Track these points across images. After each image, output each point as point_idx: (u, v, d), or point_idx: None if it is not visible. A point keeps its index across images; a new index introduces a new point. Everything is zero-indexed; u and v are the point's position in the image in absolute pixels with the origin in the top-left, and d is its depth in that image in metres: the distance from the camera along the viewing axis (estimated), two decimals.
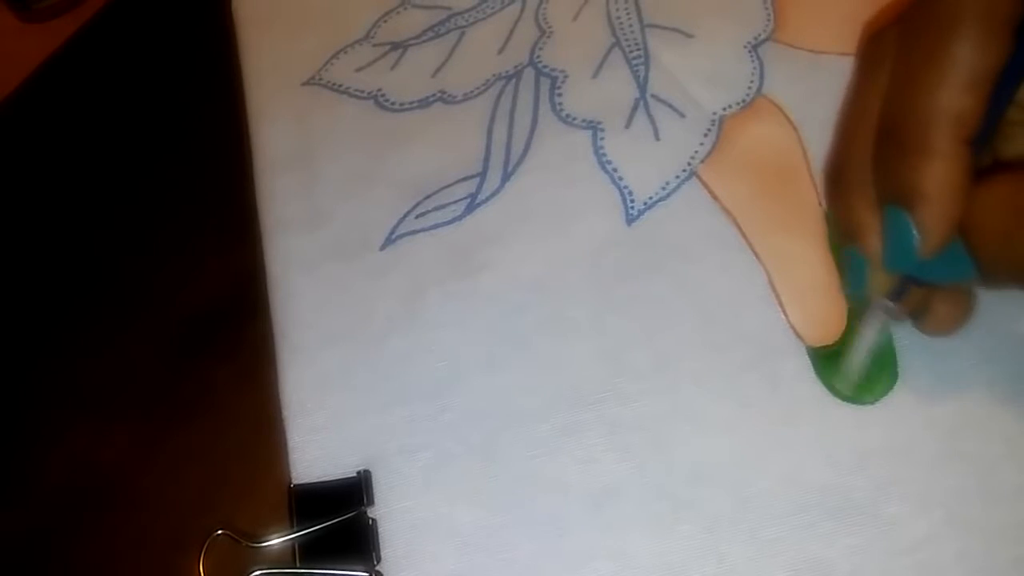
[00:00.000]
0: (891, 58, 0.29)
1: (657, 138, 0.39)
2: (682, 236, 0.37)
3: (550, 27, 0.43)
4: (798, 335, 0.34)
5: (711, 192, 0.38)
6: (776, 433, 0.33)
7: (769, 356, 0.34)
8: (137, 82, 0.47)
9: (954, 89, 0.27)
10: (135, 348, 0.39)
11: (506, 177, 0.39)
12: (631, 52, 0.41)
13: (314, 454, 0.35)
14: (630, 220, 0.38)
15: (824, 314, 0.35)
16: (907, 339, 0.33)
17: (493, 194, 0.39)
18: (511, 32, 0.43)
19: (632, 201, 0.38)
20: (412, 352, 0.36)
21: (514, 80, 0.42)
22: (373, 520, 0.33)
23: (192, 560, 0.33)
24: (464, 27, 0.44)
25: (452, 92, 0.42)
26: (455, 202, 0.39)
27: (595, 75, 0.41)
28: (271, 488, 0.35)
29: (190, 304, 0.40)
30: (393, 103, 0.42)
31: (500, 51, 0.43)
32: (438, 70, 0.43)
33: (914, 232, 0.27)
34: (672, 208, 0.38)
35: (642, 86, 0.40)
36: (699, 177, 0.38)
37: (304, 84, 0.44)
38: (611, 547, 0.32)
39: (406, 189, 0.40)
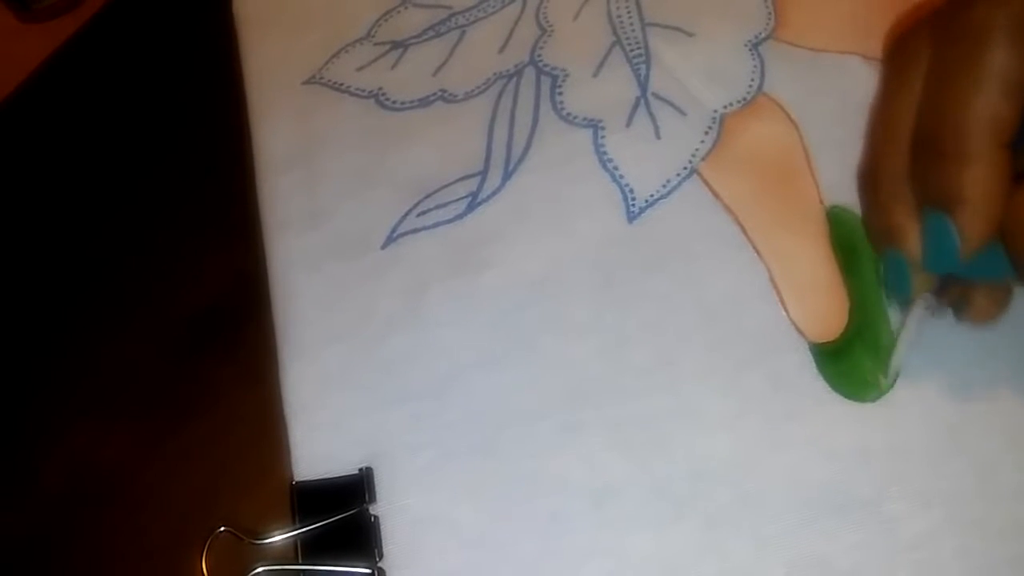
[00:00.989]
0: (923, 64, 0.30)
1: (658, 136, 0.39)
2: (683, 234, 0.37)
3: (551, 26, 0.43)
4: (799, 332, 0.34)
5: (712, 190, 0.38)
6: (777, 430, 0.33)
7: (770, 353, 0.34)
8: (137, 82, 0.47)
9: (991, 96, 0.27)
10: (136, 347, 0.39)
11: (507, 176, 0.39)
12: (632, 51, 0.41)
13: (316, 451, 0.35)
14: (631, 218, 0.38)
15: (825, 311, 0.35)
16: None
17: (494, 193, 0.39)
18: (512, 31, 0.43)
19: (633, 199, 0.38)
20: (413, 350, 0.36)
21: (515, 79, 0.42)
22: (375, 517, 0.33)
23: (195, 557, 0.33)
24: (465, 26, 0.44)
25: (453, 91, 0.42)
26: (456, 200, 0.39)
27: (596, 74, 0.41)
28: (273, 485, 0.35)
29: (191, 303, 0.40)
30: (394, 102, 0.42)
31: (501, 50, 0.43)
32: (439, 69, 0.43)
33: (954, 235, 0.28)
34: (673, 206, 0.38)
35: (643, 84, 0.40)
36: (700, 175, 0.38)
37: (305, 83, 0.44)
38: (612, 544, 0.32)
39: (407, 188, 0.40)
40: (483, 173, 0.40)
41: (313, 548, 0.33)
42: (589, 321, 0.36)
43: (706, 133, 0.39)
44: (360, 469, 0.34)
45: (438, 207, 0.39)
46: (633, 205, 0.38)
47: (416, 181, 0.40)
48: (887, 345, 0.33)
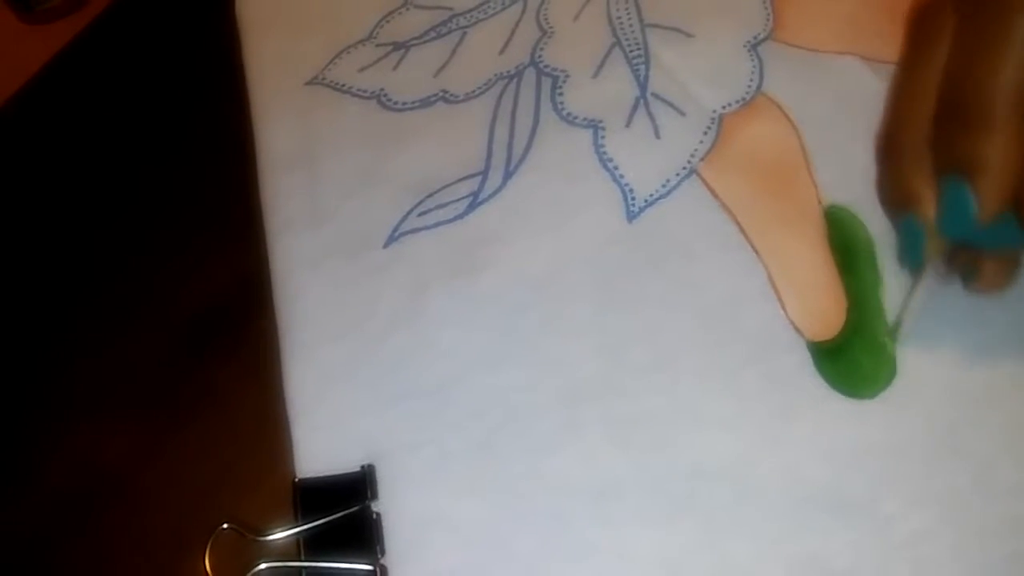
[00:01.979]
0: (948, 33, 0.30)
1: (657, 136, 0.39)
2: (682, 233, 0.37)
3: (551, 27, 0.43)
4: (797, 331, 0.35)
5: (711, 190, 0.38)
6: (775, 429, 0.33)
7: (769, 352, 0.34)
8: (140, 83, 0.47)
9: (1017, 65, 0.27)
10: (139, 347, 0.39)
11: (508, 176, 0.40)
12: (631, 51, 0.42)
13: (318, 449, 0.35)
14: (631, 218, 0.38)
15: (823, 310, 0.35)
16: (907, 334, 0.34)
17: (495, 192, 0.39)
18: (512, 32, 0.43)
19: (633, 199, 0.38)
20: (415, 349, 0.36)
21: (515, 80, 0.42)
22: (377, 514, 0.33)
23: (198, 555, 0.33)
24: (466, 27, 0.44)
25: (454, 92, 0.42)
26: (457, 200, 0.39)
27: (596, 74, 0.41)
28: (276, 483, 0.35)
29: (194, 303, 0.40)
30: (395, 103, 0.43)
31: (502, 51, 0.43)
32: (440, 70, 0.43)
33: (972, 201, 0.28)
34: (672, 206, 0.38)
35: (642, 85, 0.41)
36: (699, 175, 0.38)
37: (307, 84, 0.44)
38: (611, 542, 0.32)
39: (408, 188, 0.40)
40: (484, 173, 0.40)
41: (315, 545, 0.33)
42: (589, 320, 0.36)
43: (705, 133, 0.39)
44: (362, 467, 0.34)
45: (439, 207, 0.39)
46: (633, 205, 0.38)
47: (417, 181, 0.40)
48: (885, 343, 0.33)
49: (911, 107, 0.31)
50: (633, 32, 0.42)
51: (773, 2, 0.42)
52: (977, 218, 0.28)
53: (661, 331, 0.35)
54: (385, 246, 0.39)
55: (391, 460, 0.34)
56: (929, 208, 0.30)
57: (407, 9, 0.45)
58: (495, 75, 0.42)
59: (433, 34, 0.44)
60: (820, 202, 0.37)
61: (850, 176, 0.35)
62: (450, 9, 0.45)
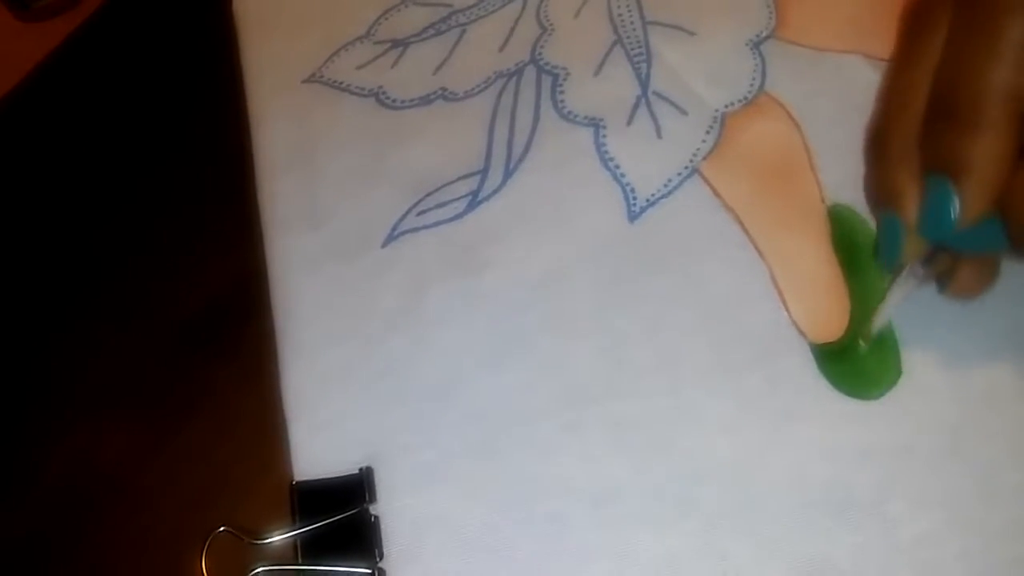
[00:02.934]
0: (942, 30, 0.30)
1: (659, 135, 0.39)
2: (684, 233, 0.37)
3: (551, 24, 0.43)
4: (800, 332, 0.34)
5: (713, 189, 0.38)
6: (778, 431, 0.33)
7: (771, 353, 0.34)
8: (137, 81, 0.47)
9: (1009, 66, 0.27)
10: (136, 347, 0.39)
11: (508, 174, 0.39)
12: (633, 49, 0.41)
13: (316, 451, 0.35)
14: (632, 217, 0.38)
15: (826, 311, 0.35)
16: (910, 335, 0.33)
17: (495, 191, 0.39)
18: (512, 29, 0.43)
19: (634, 198, 0.38)
20: (414, 350, 0.36)
21: (515, 77, 0.42)
22: (375, 517, 0.33)
23: (194, 558, 0.33)
24: (465, 24, 0.44)
25: (453, 89, 0.42)
26: (457, 199, 0.39)
27: (597, 72, 0.41)
28: (273, 485, 0.35)
29: (191, 303, 0.40)
30: (394, 101, 0.42)
31: (501, 48, 0.43)
32: (439, 67, 0.43)
33: (955, 202, 0.28)
34: (674, 205, 0.38)
35: (644, 83, 0.40)
36: (701, 174, 0.38)
37: (305, 82, 0.44)
38: (612, 546, 0.32)
39: (407, 187, 0.40)
40: (484, 172, 0.40)
41: (313, 548, 0.33)
42: (590, 321, 0.36)
43: (707, 132, 0.39)
44: (360, 469, 0.34)
45: (439, 206, 0.39)
46: (634, 204, 0.38)
47: (417, 180, 0.40)
48: (889, 345, 0.33)
49: (902, 103, 0.31)
50: (635, 30, 0.42)
51: (776, 0, 0.42)
52: (958, 219, 0.28)
53: (662, 332, 0.35)
54: (384, 246, 0.39)
55: (389, 462, 0.34)
56: (911, 207, 0.30)
57: (406, 6, 0.45)
58: (495, 73, 0.42)
59: (432, 31, 0.44)
60: (823, 201, 0.37)
61: (853, 175, 0.35)
62: (449, 6, 0.45)
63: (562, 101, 0.41)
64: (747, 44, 0.41)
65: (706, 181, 0.38)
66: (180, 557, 0.34)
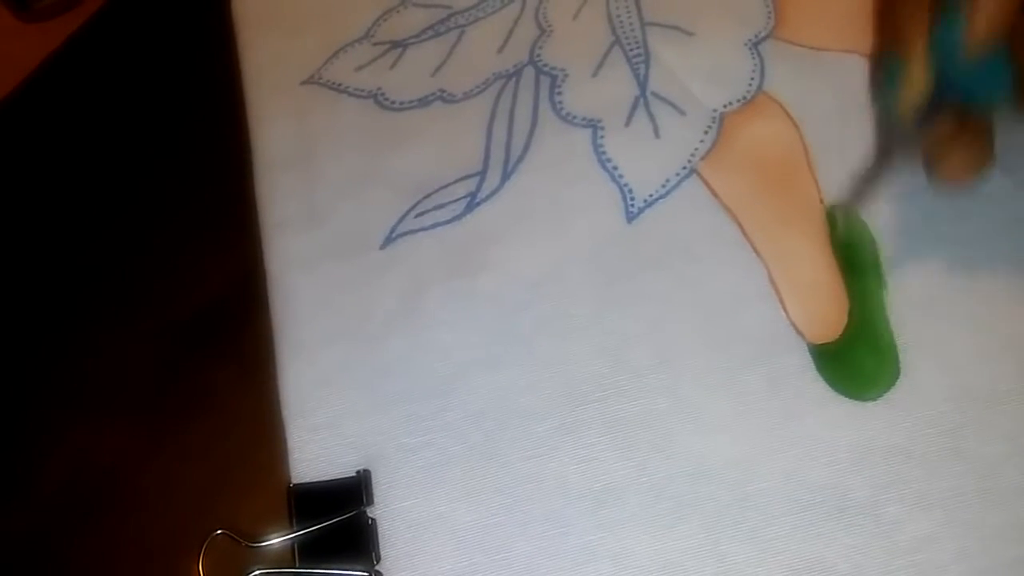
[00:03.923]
0: None
1: (657, 136, 0.39)
2: (682, 234, 0.37)
3: (550, 26, 0.43)
4: (799, 332, 0.34)
5: (711, 189, 0.38)
6: (776, 431, 0.33)
7: (769, 354, 0.34)
8: (136, 82, 0.47)
9: None
10: (134, 348, 0.39)
11: (506, 176, 0.39)
12: (631, 50, 0.41)
13: (314, 453, 0.35)
14: (630, 218, 0.38)
15: (825, 311, 0.34)
16: (908, 336, 0.33)
17: (493, 193, 0.39)
18: (511, 31, 0.43)
19: (632, 199, 0.38)
20: (412, 351, 0.36)
21: (514, 79, 0.42)
22: (373, 520, 0.33)
23: (191, 560, 0.33)
24: (464, 26, 0.44)
25: (452, 91, 0.42)
26: (455, 201, 0.39)
27: (595, 73, 0.41)
28: (270, 488, 0.35)
29: (190, 304, 0.40)
30: (393, 102, 0.42)
31: (500, 50, 0.43)
32: (438, 69, 0.43)
33: (962, 28, 0.28)
34: (672, 206, 0.37)
35: (642, 84, 0.40)
36: (699, 174, 0.38)
37: (303, 83, 0.44)
38: (611, 546, 0.32)
39: (406, 188, 0.40)
40: (482, 173, 0.39)
41: (310, 551, 0.33)
42: (588, 321, 0.36)
43: (705, 132, 0.39)
44: (358, 471, 0.34)
45: (437, 208, 0.39)
46: (632, 205, 0.38)
47: (415, 181, 0.40)
48: (887, 346, 0.33)
49: None
50: (633, 31, 0.42)
51: (774, 0, 0.41)
52: (965, 45, 0.28)
53: (661, 332, 0.35)
54: (382, 247, 0.39)
55: (387, 464, 0.34)
56: (919, 42, 0.29)
57: (405, 7, 0.45)
58: (493, 74, 0.42)
59: (431, 33, 0.44)
60: (822, 201, 0.37)
61: (852, 175, 0.35)
62: (448, 7, 0.45)
63: (560, 102, 0.41)
64: (745, 44, 0.41)
65: (704, 181, 0.38)
66: (178, 560, 0.34)
